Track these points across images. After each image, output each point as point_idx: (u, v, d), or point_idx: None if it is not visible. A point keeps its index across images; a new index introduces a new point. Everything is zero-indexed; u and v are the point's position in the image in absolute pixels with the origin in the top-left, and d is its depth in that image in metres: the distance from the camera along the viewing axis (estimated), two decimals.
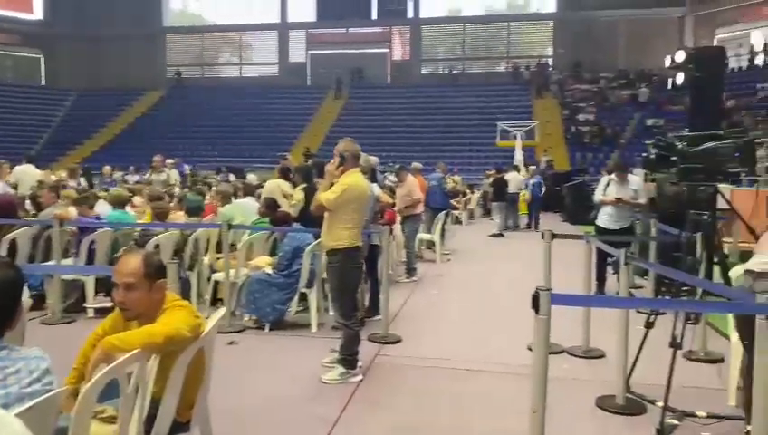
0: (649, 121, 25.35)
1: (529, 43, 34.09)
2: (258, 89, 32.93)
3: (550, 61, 32.32)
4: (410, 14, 33.54)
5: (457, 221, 16.03)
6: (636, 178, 7.31)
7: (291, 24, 34.71)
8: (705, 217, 3.75)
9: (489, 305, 6.71)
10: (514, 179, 15.39)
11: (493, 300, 6.96)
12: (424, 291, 7.43)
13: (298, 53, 34.88)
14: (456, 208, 16.24)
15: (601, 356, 4.69)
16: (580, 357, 4.72)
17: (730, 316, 3.88)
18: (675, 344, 3.32)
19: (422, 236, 9.51)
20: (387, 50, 34.32)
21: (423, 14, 33.47)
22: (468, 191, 17.68)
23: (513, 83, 30.97)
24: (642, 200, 7.16)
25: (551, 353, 4.91)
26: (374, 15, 33.67)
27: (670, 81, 9.86)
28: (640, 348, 3.81)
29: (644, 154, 4.23)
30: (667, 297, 4.21)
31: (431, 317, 6.19)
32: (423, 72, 33.95)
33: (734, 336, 3.62)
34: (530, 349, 4.36)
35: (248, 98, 31.93)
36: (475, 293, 7.46)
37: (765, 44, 26.84)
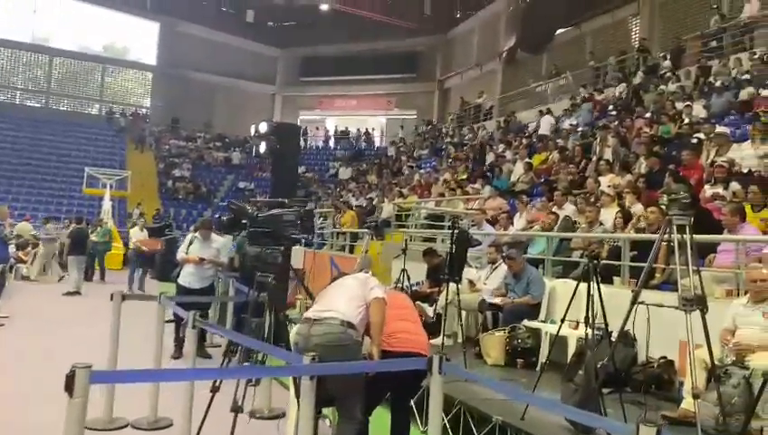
0: (242, 184, 27.01)
1: (126, 91, 32.65)
2: None
3: (148, 111, 31.53)
4: None
5: (24, 277, 14.03)
6: (220, 237, 7.41)
7: None
8: (270, 278, 3.96)
9: (49, 383, 5.64)
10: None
11: (56, 375, 5.90)
12: None
13: None
14: (22, 262, 14.28)
15: (170, 425, 4.43)
16: (147, 430, 4.36)
17: None
18: (236, 408, 3.33)
19: None
20: None
21: None
22: (40, 242, 15.47)
23: (106, 129, 28.93)
24: (224, 259, 7.34)
25: (114, 429, 4.44)
26: None
27: (254, 148, 10.62)
28: (206, 414, 3.71)
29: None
30: (234, 359, 4.25)
31: None
32: None
33: (292, 391, 3.86)
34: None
35: None
36: (34, 368, 6.02)
37: (336, 130, 32.02)
